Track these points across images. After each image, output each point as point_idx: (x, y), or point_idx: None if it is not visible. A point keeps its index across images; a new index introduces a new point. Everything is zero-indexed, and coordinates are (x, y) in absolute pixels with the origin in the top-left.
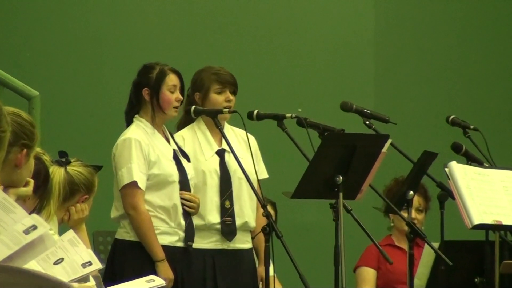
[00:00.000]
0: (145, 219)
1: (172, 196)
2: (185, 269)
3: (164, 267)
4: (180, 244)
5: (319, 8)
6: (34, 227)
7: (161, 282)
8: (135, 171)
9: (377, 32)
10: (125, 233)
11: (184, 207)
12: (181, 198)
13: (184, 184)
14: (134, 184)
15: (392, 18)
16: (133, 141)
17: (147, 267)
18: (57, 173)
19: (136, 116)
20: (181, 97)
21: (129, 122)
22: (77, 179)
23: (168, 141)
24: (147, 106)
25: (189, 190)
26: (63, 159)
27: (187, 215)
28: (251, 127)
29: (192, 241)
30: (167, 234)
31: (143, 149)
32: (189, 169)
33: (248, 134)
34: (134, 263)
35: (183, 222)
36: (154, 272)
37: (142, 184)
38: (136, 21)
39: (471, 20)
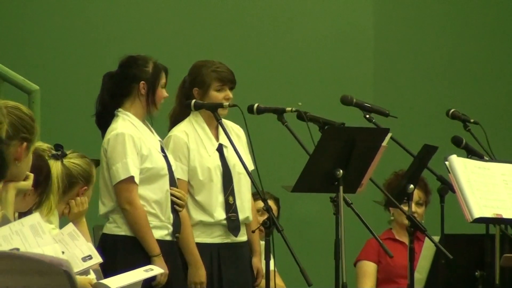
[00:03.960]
0: (142, 214)
1: (163, 189)
2: (172, 262)
3: (161, 262)
4: (169, 238)
5: (319, 1)
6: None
7: (160, 270)
8: (131, 166)
9: (376, 26)
10: (115, 228)
11: (174, 205)
12: (171, 195)
13: (170, 177)
14: (131, 179)
15: (391, 12)
16: (126, 135)
17: (141, 262)
18: (54, 167)
19: (120, 110)
20: (167, 94)
21: (106, 115)
22: (74, 171)
23: (152, 133)
24: (135, 99)
25: (175, 183)
26: (58, 152)
27: (175, 209)
28: (251, 121)
29: (179, 233)
30: (158, 228)
31: (135, 143)
32: (172, 161)
33: (238, 126)
34: (126, 258)
35: (172, 215)
36: None
37: (137, 179)
38: (137, 16)
39: (471, 14)
